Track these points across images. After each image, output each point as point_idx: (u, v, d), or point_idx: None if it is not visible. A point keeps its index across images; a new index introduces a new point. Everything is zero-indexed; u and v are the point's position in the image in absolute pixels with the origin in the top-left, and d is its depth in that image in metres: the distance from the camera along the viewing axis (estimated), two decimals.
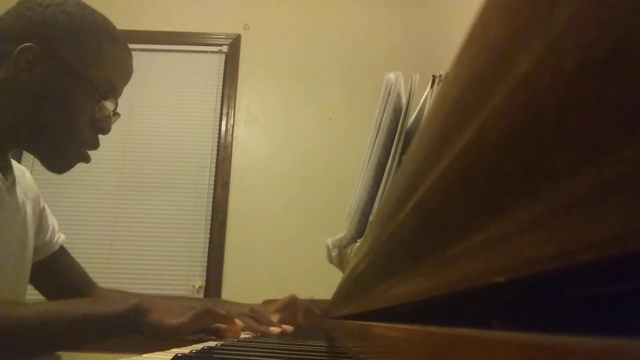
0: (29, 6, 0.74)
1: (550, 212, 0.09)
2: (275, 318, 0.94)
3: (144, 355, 0.46)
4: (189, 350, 0.50)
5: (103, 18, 0.80)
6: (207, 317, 0.72)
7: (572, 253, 0.08)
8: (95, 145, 0.80)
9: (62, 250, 0.94)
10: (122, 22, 1.36)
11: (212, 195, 2.06)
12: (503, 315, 0.14)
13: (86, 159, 0.80)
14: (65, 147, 0.76)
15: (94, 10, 0.80)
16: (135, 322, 0.67)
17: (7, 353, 0.60)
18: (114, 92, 0.80)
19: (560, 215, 0.08)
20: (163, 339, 0.69)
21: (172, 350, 0.51)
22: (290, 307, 1.09)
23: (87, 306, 0.67)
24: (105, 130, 0.81)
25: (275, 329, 0.87)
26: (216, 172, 2.08)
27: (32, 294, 0.89)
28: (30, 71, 0.71)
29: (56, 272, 0.92)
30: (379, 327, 0.29)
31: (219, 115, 2.16)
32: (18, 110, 0.72)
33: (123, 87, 0.84)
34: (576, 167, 0.08)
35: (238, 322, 0.77)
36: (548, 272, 0.09)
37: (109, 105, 0.79)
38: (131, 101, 2.03)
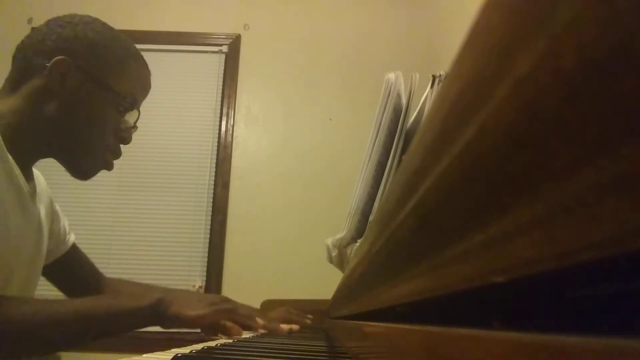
0: (60, 24, 0.78)
1: (550, 212, 0.09)
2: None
3: (144, 355, 0.46)
4: (189, 350, 0.50)
5: (127, 38, 0.86)
6: (226, 316, 0.78)
7: (572, 253, 0.08)
8: (117, 154, 0.85)
9: (74, 248, 1.00)
10: (122, 22, 1.36)
11: (212, 195, 2.06)
12: (503, 315, 0.14)
13: (109, 167, 0.84)
14: (93, 155, 0.80)
15: (118, 31, 0.85)
16: (158, 314, 0.72)
17: (44, 347, 0.65)
18: (136, 106, 0.85)
19: (560, 215, 0.08)
20: (182, 328, 0.74)
21: (172, 350, 0.51)
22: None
23: (115, 302, 0.71)
24: (127, 140, 0.86)
25: (284, 326, 0.92)
26: (216, 172, 2.08)
27: (39, 293, 0.89)
28: (63, 82, 0.75)
29: (70, 269, 0.98)
30: (379, 327, 0.29)
31: (219, 115, 2.16)
32: (50, 120, 0.76)
33: (142, 101, 0.89)
34: (576, 167, 0.08)
35: (259, 320, 0.83)
36: (548, 272, 0.09)
37: (132, 116, 0.85)
38: None
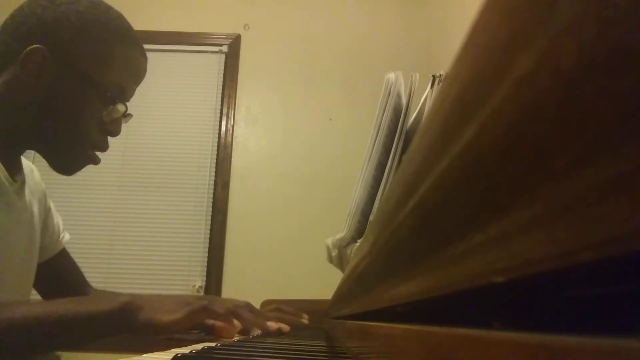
0: (42, 4, 0.71)
1: (550, 212, 0.09)
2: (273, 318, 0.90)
3: (144, 355, 0.46)
4: (189, 350, 0.50)
5: (118, 17, 0.78)
6: (203, 315, 0.70)
7: (572, 253, 0.08)
8: (104, 147, 0.79)
9: (64, 251, 0.94)
10: None
11: (212, 195, 2.06)
12: (503, 315, 0.14)
13: (95, 161, 0.79)
14: (73, 150, 0.75)
15: (108, 9, 0.77)
16: (126, 321, 0.64)
17: None
18: (123, 96, 0.78)
19: (560, 215, 0.08)
20: (156, 336, 0.67)
21: (172, 350, 0.51)
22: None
23: (75, 305, 0.63)
24: (115, 133, 0.80)
25: (272, 324, 0.83)
26: (216, 172, 2.08)
27: (36, 295, 0.89)
28: (38, 74, 0.69)
29: (57, 274, 0.92)
30: (379, 327, 0.29)
31: (219, 115, 2.16)
32: (27, 112, 0.71)
33: (134, 89, 0.82)
34: (576, 167, 0.08)
35: (236, 322, 0.75)
36: (548, 272, 0.09)
37: (118, 108, 0.77)
38: (131, 101, 2.03)
